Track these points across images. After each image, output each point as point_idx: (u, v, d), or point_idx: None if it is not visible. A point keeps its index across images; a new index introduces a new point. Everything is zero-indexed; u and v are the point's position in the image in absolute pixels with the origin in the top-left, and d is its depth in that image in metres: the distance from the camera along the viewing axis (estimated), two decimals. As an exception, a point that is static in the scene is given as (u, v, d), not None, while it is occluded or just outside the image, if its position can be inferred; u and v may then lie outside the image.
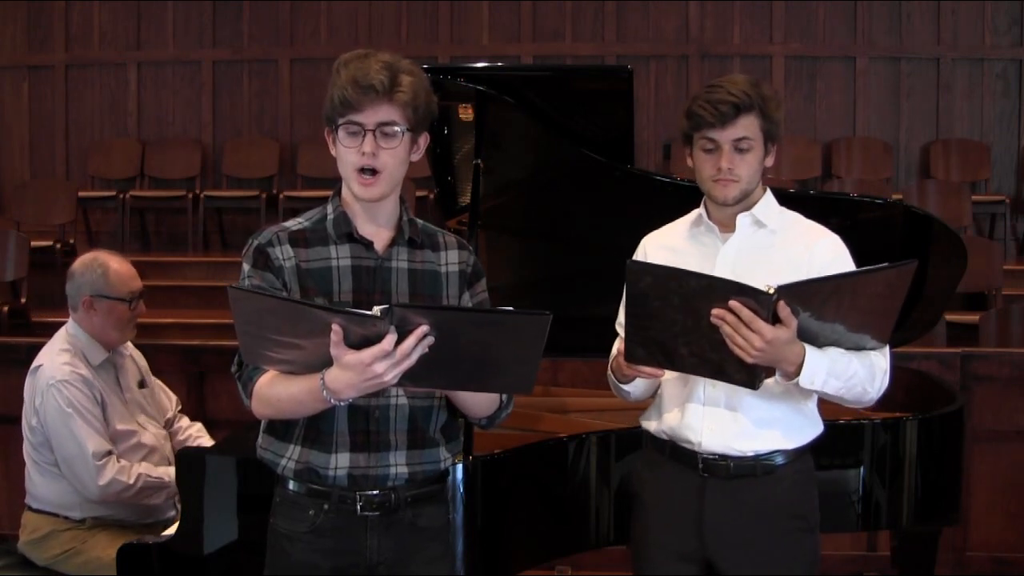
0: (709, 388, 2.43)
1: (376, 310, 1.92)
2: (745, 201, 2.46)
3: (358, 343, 1.94)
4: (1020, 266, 7.03)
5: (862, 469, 3.20)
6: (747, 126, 2.40)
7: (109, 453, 3.20)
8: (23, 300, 6.56)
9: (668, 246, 2.54)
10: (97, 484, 3.17)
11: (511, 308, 1.97)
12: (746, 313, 2.17)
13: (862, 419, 3.27)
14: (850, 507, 3.20)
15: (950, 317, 5.49)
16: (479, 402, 2.21)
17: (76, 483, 3.21)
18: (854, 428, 3.21)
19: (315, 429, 2.17)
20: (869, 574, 4.42)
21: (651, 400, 2.59)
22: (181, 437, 3.54)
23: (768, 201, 2.50)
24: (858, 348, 2.34)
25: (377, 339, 1.92)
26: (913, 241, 3.45)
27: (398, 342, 1.92)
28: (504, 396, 2.25)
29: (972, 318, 5.58)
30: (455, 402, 2.22)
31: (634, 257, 2.56)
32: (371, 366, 1.93)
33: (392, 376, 1.95)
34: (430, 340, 1.93)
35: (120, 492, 3.20)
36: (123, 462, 3.22)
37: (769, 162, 2.47)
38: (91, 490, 3.19)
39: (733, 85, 2.41)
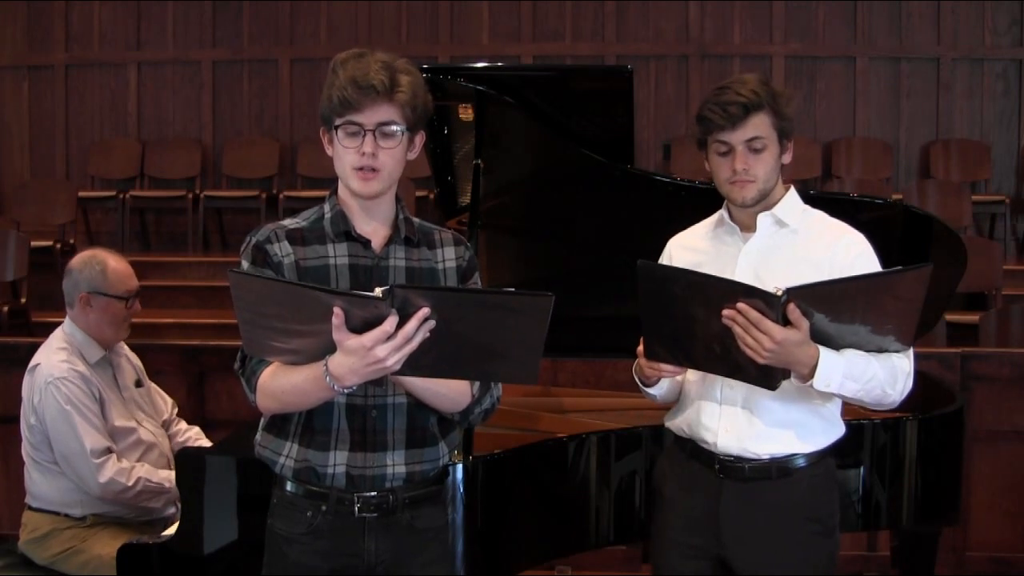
0: (727, 389, 2.41)
1: (377, 291, 1.91)
2: (765, 200, 2.43)
3: (360, 328, 1.93)
4: (1020, 266, 7.03)
5: (862, 469, 3.19)
6: (758, 125, 2.37)
7: (108, 451, 3.20)
8: (23, 300, 6.57)
9: (691, 247, 2.52)
10: (98, 481, 3.17)
11: (513, 289, 1.97)
12: (753, 314, 2.15)
13: (862, 419, 3.26)
14: (850, 507, 3.20)
15: (950, 317, 5.49)
16: (445, 394, 2.16)
17: (77, 480, 3.21)
18: (854, 428, 3.20)
19: (311, 428, 2.17)
20: (869, 574, 4.42)
21: (674, 402, 2.57)
22: (180, 439, 3.53)
23: (791, 200, 2.47)
24: (880, 350, 2.30)
25: (379, 323, 1.91)
26: (913, 241, 3.45)
27: (400, 325, 1.91)
28: (477, 389, 2.21)
29: (972, 318, 5.58)
30: (422, 398, 2.16)
31: (660, 260, 2.54)
32: (372, 350, 1.92)
33: (394, 361, 1.94)
34: (431, 323, 1.92)
35: (119, 493, 3.19)
36: (123, 463, 3.22)
37: (787, 159, 2.44)
38: (92, 487, 3.18)
39: (741, 85, 2.38)
